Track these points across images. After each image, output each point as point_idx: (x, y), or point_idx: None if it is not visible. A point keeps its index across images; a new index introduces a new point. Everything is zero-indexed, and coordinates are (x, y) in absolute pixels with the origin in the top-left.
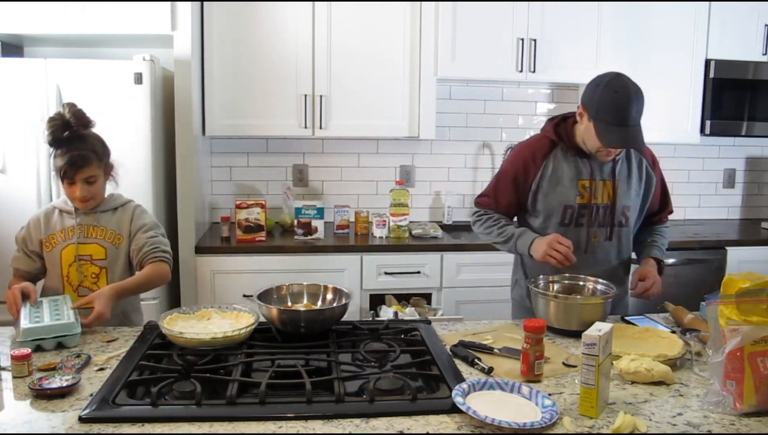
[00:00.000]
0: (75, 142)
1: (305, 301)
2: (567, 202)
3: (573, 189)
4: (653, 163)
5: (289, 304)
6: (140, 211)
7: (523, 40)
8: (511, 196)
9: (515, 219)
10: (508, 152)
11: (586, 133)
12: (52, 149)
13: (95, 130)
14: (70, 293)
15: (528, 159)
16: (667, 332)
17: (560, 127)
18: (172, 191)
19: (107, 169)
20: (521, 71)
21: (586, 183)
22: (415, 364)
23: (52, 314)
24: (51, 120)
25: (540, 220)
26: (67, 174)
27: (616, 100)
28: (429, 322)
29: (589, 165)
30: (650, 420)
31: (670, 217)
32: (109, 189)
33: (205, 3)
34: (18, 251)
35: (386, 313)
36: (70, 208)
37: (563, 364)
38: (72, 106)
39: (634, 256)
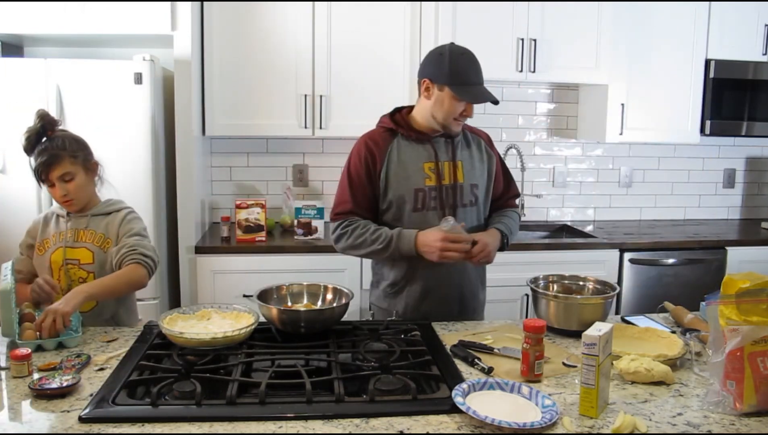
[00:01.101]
0: (43, 144)
1: (305, 301)
2: (417, 186)
3: (420, 172)
4: (490, 143)
5: (289, 304)
6: (132, 216)
7: (523, 40)
8: (367, 189)
9: None
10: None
11: (436, 105)
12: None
13: (81, 133)
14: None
15: (372, 148)
16: (667, 332)
17: (396, 116)
18: (172, 191)
19: (88, 167)
20: (521, 71)
21: (432, 165)
22: (415, 364)
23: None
24: (27, 130)
25: (393, 210)
26: (42, 176)
27: (465, 62)
28: (429, 322)
29: (431, 148)
30: (650, 420)
31: (518, 202)
32: (110, 194)
33: (205, 3)
34: (22, 254)
35: None
36: (64, 212)
37: (563, 364)
38: (39, 112)
39: None
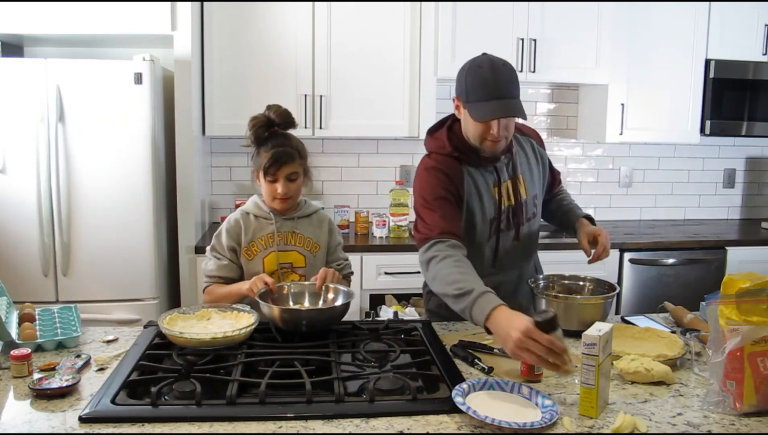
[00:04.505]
0: (278, 139)
1: (306, 301)
2: (491, 216)
3: (491, 199)
4: (540, 142)
5: (290, 304)
6: (334, 225)
7: (523, 40)
8: (460, 220)
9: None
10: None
11: (466, 124)
12: (253, 149)
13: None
14: None
15: (452, 177)
16: (667, 332)
17: (453, 139)
18: (172, 191)
19: (307, 171)
20: (521, 71)
21: (496, 189)
22: (415, 364)
23: (62, 326)
24: (253, 118)
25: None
26: (270, 170)
27: (482, 76)
28: (429, 322)
29: (494, 170)
30: (650, 420)
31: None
32: (107, 193)
33: (205, 3)
34: (222, 259)
35: (386, 313)
36: (267, 213)
37: None
38: (277, 107)
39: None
